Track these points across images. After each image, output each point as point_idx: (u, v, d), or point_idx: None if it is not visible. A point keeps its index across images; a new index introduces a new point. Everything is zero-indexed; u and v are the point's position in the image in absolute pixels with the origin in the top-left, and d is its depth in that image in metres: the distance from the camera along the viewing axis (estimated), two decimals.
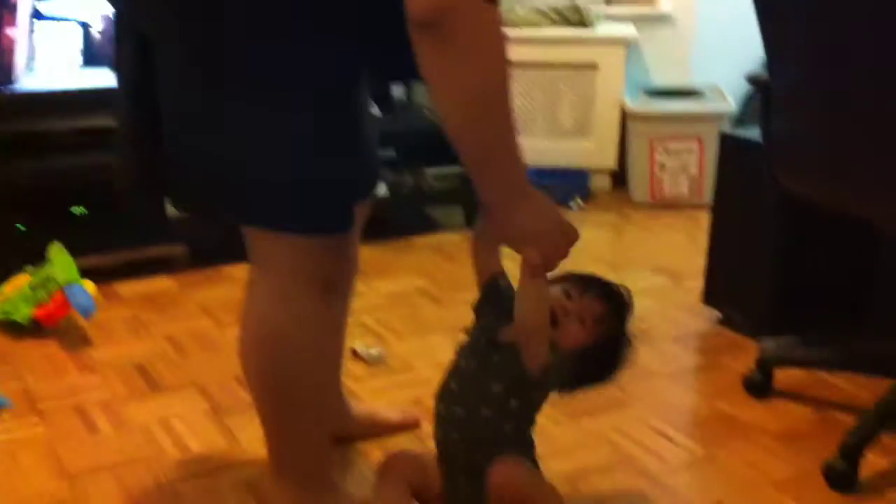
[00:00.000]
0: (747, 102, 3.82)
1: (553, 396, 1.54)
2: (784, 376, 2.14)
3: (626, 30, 3.62)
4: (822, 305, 2.39)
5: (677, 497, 1.73)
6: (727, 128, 3.39)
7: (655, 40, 3.81)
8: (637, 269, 2.87)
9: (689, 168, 3.53)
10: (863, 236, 2.38)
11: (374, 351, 2.24)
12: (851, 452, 1.75)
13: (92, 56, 2.81)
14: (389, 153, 3.35)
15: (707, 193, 3.34)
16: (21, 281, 2.41)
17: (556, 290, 1.53)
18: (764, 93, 1.98)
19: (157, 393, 2.09)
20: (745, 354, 2.28)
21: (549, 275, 1.45)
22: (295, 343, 1.45)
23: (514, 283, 1.49)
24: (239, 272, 1.49)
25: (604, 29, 3.62)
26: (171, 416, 1.98)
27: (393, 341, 2.37)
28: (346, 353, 2.06)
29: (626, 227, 3.38)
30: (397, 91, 3.46)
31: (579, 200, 3.51)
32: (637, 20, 3.77)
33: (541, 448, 1.55)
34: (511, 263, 1.47)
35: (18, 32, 2.57)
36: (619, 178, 3.73)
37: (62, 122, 2.68)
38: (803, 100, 1.84)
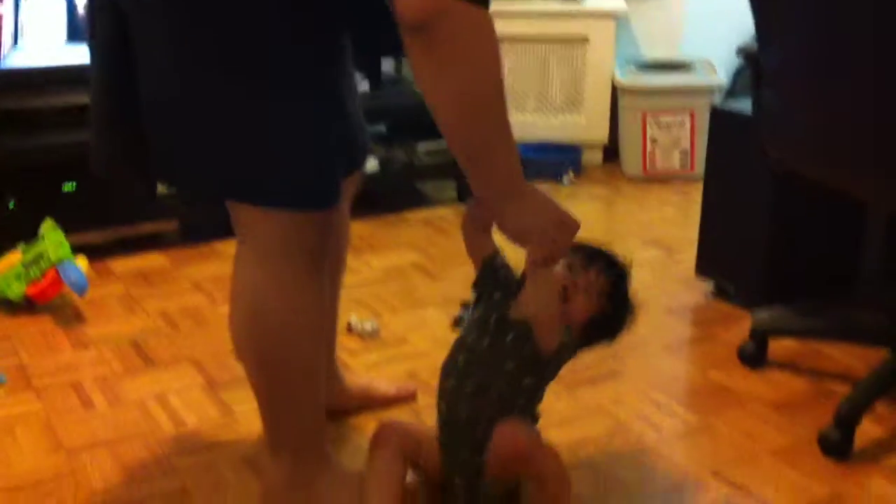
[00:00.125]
0: (738, 76, 3.82)
1: None
2: (778, 347, 2.15)
3: (616, 3, 3.61)
4: (815, 276, 2.40)
5: (674, 466, 1.74)
6: (718, 101, 3.40)
7: (645, 13, 3.80)
8: (630, 243, 2.87)
9: (681, 141, 3.53)
10: (854, 206, 2.39)
11: (368, 325, 2.24)
12: (846, 421, 1.76)
13: (77, 32, 2.78)
14: (380, 128, 3.34)
15: (699, 166, 3.34)
16: (13, 258, 2.40)
17: (559, 266, 1.54)
18: (754, 66, 1.98)
19: (152, 369, 2.09)
20: (738, 325, 2.29)
21: None
22: (282, 317, 1.45)
23: (510, 262, 1.54)
24: (231, 248, 1.48)
25: (593, 2, 3.60)
26: (166, 392, 1.98)
27: (387, 315, 2.37)
28: (341, 328, 2.06)
29: (619, 200, 3.38)
30: (387, 66, 3.45)
31: (571, 175, 3.51)
32: None
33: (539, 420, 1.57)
34: (502, 239, 1.48)
35: (4, 9, 2.55)
36: (611, 152, 3.73)
37: (51, 98, 2.66)
38: (793, 73, 1.84)
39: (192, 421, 1.88)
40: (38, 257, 2.35)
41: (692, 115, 3.50)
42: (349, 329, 2.24)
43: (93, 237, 2.66)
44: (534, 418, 1.58)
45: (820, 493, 1.66)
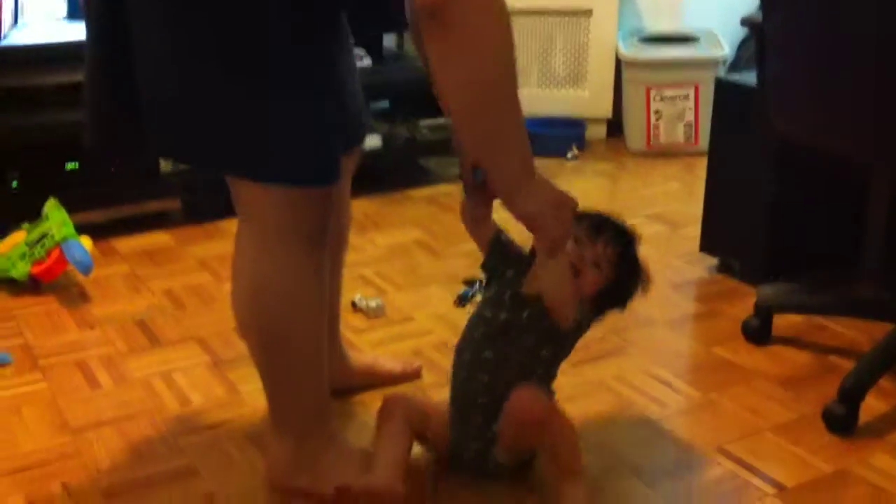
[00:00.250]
0: (741, 47, 3.79)
1: None
2: (782, 322, 2.15)
3: None
4: (820, 251, 2.40)
5: (678, 442, 1.75)
6: (722, 73, 3.38)
7: None
8: (634, 218, 2.86)
9: (685, 115, 3.51)
10: (858, 181, 2.38)
11: (373, 303, 2.24)
12: (851, 397, 1.76)
13: (77, 9, 2.77)
14: (383, 104, 3.33)
15: (703, 140, 3.33)
16: (17, 238, 2.40)
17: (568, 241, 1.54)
18: (758, 36, 1.96)
19: (158, 347, 2.09)
20: (743, 301, 2.29)
21: None
22: (283, 295, 1.45)
23: (514, 237, 1.57)
24: (235, 227, 1.49)
25: None
26: (172, 371, 1.99)
27: (392, 293, 2.37)
28: (345, 306, 2.07)
29: (623, 176, 3.37)
30: (389, 41, 3.43)
31: (575, 150, 3.49)
32: None
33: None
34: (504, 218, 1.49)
35: None
36: (615, 126, 3.71)
37: (53, 76, 2.65)
38: (798, 41, 1.83)
39: (197, 399, 1.88)
40: (43, 237, 2.35)
41: (696, 89, 3.48)
42: (354, 307, 2.24)
43: (96, 216, 2.66)
44: (549, 393, 1.60)
45: (824, 468, 1.66)
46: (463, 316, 1.65)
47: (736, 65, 3.71)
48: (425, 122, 3.16)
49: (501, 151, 1.37)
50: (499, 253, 1.61)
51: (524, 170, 1.39)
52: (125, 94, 1.42)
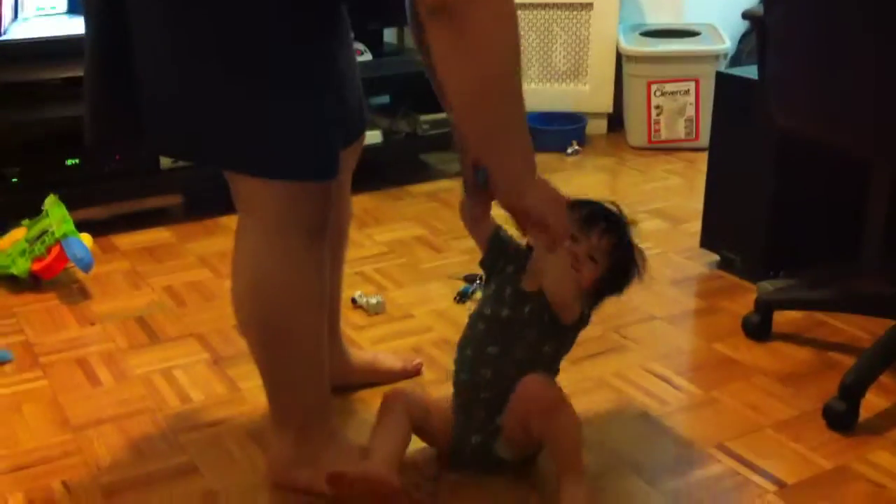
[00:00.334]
0: (743, 41, 3.78)
1: None
2: (783, 318, 2.15)
3: None
4: (821, 247, 2.40)
5: (678, 439, 1.75)
6: (724, 67, 3.37)
7: None
8: (635, 214, 2.85)
9: (686, 110, 3.51)
10: (860, 176, 2.38)
11: (373, 300, 2.24)
12: (851, 393, 1.76)
13: (77, 3, 2.77)
14: (383, 99, 3.33)
15: (704, 135, 3.33)
16: (17, 235, 2.40)
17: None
18: (760, 29, 1.96)
19: (158, 344, 2.09)
20: (743, 297, 2.29)
21: None
22: (284, 288, 1.45)
23: (513, 233, 1.56)
24: (235, 223, 1.49)
25: None
26: (172, 368, 1.99)
27: (392, 289, 2.37)
28: (345, 303, 2.07)
29: (623, 171, 3.37)
30: (389, 35, 3.43)
31: (576, 145, 3.49)
32: None
33: None
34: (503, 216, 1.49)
35: None
36: (616, 121, 3.71)
37: (53, 71, 2.65)
38: (799, 35, 1.83)
39: (197, 397, 1.88)
40: (43, 233, 2.35)
41: (697, 83, 3.47)
42: (354, 304, 2.24)
43: (97, 212, 2.66)
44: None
45: (824, 465, 1.66)
46: (463, 312, 1.65)
47: (737, 59, 3.70)
48: (426, 118, 3.15)
49: (506, 147, 1.37)
50: (498, 249, 1.62)
51: (527, 165, 1.40)
52: (125, 90, 1.42)
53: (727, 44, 3.50)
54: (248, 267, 1.47)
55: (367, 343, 2.09)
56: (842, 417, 1.76)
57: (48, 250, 2.33)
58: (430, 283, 2.41)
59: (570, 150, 3.47)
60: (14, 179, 2.59)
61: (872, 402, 1.82)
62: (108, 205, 2.71)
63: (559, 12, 3.61)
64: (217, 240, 2.65)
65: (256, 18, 1.32)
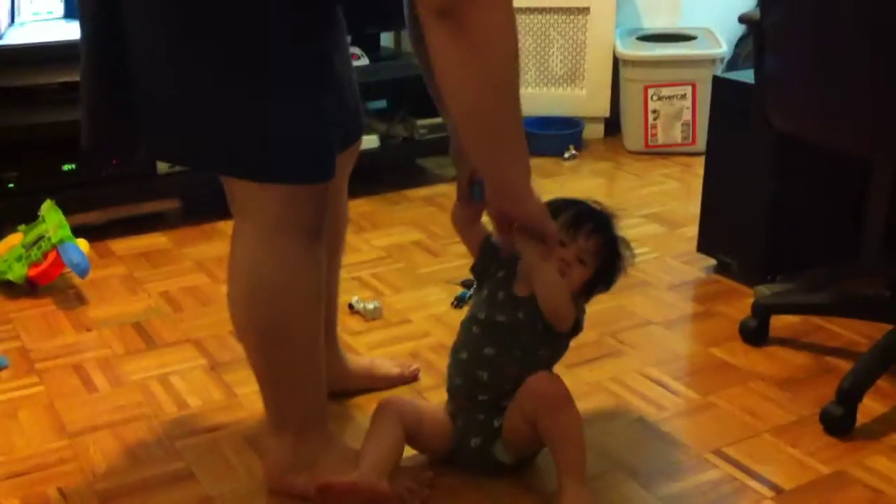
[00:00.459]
0: (739, 45, 3.79)
1: None
2: (780, 322, 2.14)
3: None
4: (818, 251, 2.40)
5: (675, 444, 1.74)
6: (720, 71, 3.37)
7: None
8: (632, 218, 2.86)
9: (683, 114, 3.51)
10: (857, 179, 2.39)
11: (370, 305, 2.24)
12: (848, 398, 1.76)
13: (74, 8, 2.76)
14: (380, 104, 3.33)
15: (701, 140, 3.32)
16: (14, 240, 2.40)
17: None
18: (756, 33, 1.96)
19: (154, 350, 2.09)
20: (740, 301, 2.29)
21: None
22: (283, 288, 1.45)
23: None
24: (232, 227, 1.48)
25: None
26: (168, 373, 1.99)
27: (389, 294, 2.37)
28: (343, 308, 2.06)
29: (620, 175, 3.37)
30: (386, 39, 3.43)
31: (573, 149, 3.49)
32: None
33: None
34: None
35: None
36: (612, 125, 3.71)
37: (49, 76, 2.65)
38: (796, 38, 1.83)
39: (194, 402, 1.88)
40: (39, 239, 2.34)
41: (694, 88, 3.47)
42: (351, 309, 2.24)
43: (93, 217, 2.66)
44: None
45: (822, 470, 1.66)
46: (460, 318, 1.65)
47: (734, 63, 3.71)
48: (423, 122, 3.15)
49: (507, 153, 1.38)
50: (489, 254, 1.62)
51: (526, 172, 1.41)
52: (121, 93, 1.42)
53: (724, 48, 3.51)
54: (246, 270, 1.47)
55: (365, 348, 2.09)
56: (839, 422, 1.76)
57: (44, 256, 2.32)
58: (427, 287, 2.41)
59: (567, 155, 3.47)
60: (10, 185, 2.59)
61: (870, 407, 1.82)
62: (104, 210, 2.71)
63: (556, 17, 3.61)
64: (214, 245, 2.65)
65: (256, 18, 1.32)
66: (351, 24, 1.59)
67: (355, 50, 3.04)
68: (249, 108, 1.36)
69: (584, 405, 1.84)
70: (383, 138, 3.12)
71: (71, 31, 2.65)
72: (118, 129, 1.48)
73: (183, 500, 1.59)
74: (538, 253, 1.47)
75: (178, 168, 2.72)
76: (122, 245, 2.66)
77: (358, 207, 2.90)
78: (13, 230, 2.44)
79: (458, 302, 2.28)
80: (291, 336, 1.49)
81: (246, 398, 1.87)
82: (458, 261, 2.49)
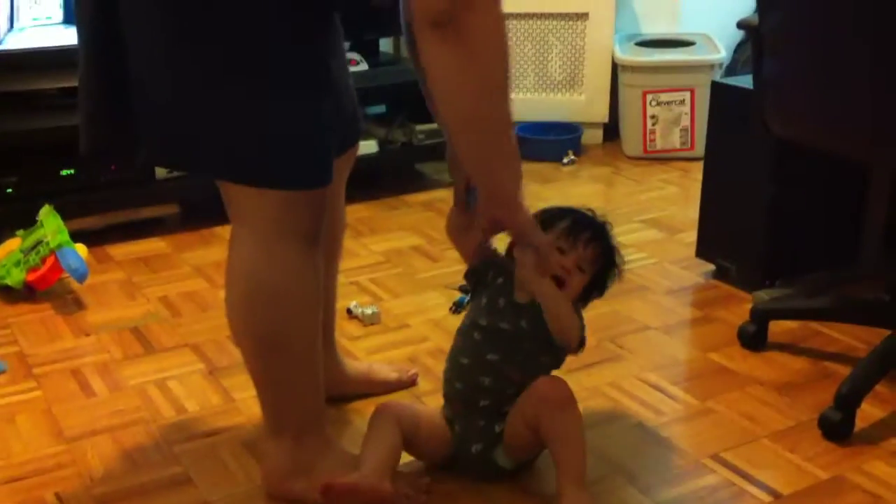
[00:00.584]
0: (738, 51, 3.79)
1: None
2: (779, 328, 2.14)
3: None
4: (816, 256, 2.40)
5: (673, 449, 1.74)
6: (719, 77, 3.37)
7: None
8: (631, 223, 2.87)
9: (681, 120, 3.51)
10: (855, 184, 2.39)
11: (368, 310, 2.24)
12: (847, 403, 1.76)
13: (73, 13, 2.77)
14: (379, 109, 3.33)
15: (700, 145, 3.33)
16: (12, 245, 2.40)
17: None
18: (755, 38, 1.96)
19: (153, 355, 2.09)
20: (739, 307, 2.29)
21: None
22: (284, 296, 1.45)
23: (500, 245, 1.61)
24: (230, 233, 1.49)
25: None
26: (167, 378, 1.98)
27: (388, 299, 2.37)
28: (341, 313, 2.06)
29: (619, 180, 3.37)
30: (385, 45, 3.43)
31: (571, 155, 3.49)
32: None
33: None
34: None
35: None
36: (611, 131, 3.71)
37: (48, 81, 2.65)
38: (794, 44, 1.83)
39: (192, 407, 1.88)
40: (37, 244, 2.34)
41: (692, 93, 3.47)
42: (349, 314, 2.24)
43: (92, 222, 2.66)
44: None
45: (820, 476, 1.66)
46: (459, 323, 1.65)
47: (732, 68, 3.71)
48: (421, 127, 3.15)
49: (501, 160, 1.39)
50: (486, 262, 1.62)
51: (517, 178, 1.42)
52: (119, 99, 1.42)
53: (722, 53, 3.51)
54: (243, 276, 1.47)
55: (363, 353, 2.09)
56: (838, 427, 1.76)
57: (43, 261, 2.32)
58: (425, 292, 2.40)
59: (565, 160, 3.47)
60: (9, 189, 2.59)
61: (868, 412, 1.82)
62: (103, 215, 2.71)
63: (555, 22, 3.61)
64: (213, 250, 2.65)
65: (256, 25, 1.32)
66: (349, 30, 1.59)
67: (354, 55, 3.05)
68: (249, 110, 1.36)
69: (582, 410, 1.83)
70: (382, 143, 3.13)
71: (70, 36, 2.65)
72: (117, 134, 1.48)
73: None
74: (535, 265, 1.48)
75: (176, 173, 2.72)
76: (121, 250, 2.66)
77: (357, 212, 2.90)
78: (11, 235, 2.44)
79: (457, 307, 2.28)
80: (289, 341, 1.49)
81: (244, 403, 1.87)
82: (457, 266, 2.46)
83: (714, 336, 2.18)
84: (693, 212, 2.57)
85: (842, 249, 2.44)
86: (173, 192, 2.79)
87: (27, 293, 2.35)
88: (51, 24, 2.74)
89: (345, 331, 2.15)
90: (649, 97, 3.50)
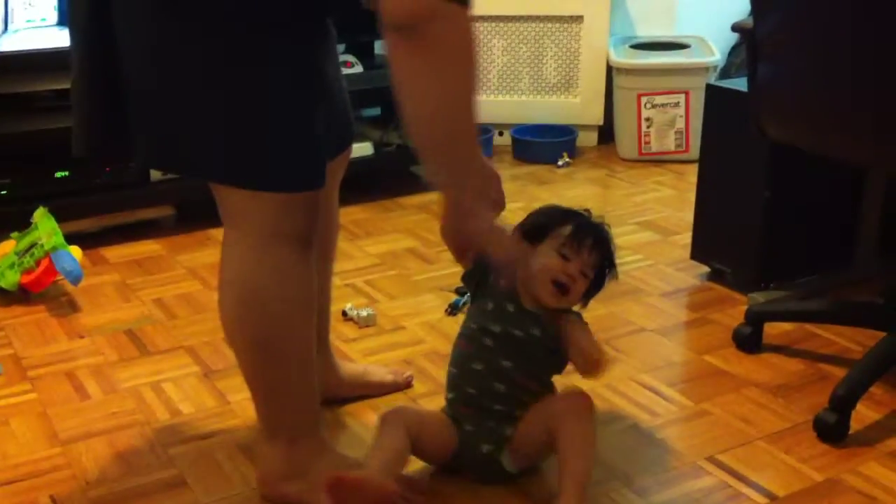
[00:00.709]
0: (733, 54, 3.80)
1: None
2: (774, 330, 2.15)
3: None
4: (811, 258, 2.40)
5: (669, 451, 1.74)
6: (713, 79, 3.38)
7: None
8: (625, 225, 2.87)
9: (676, 122, 3.52)
10: (850, 187, 2.39)
11: (364, 312, 2.24)
12: (842, 405, 1.76)
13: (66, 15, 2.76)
14: (374, 111, 3.33)
15: (694, 147, 3.33)
16: (7, 247, 2.39)
17: (553, 257, 1.59)
18: (749, 41, 1.97)
19: (147, 357, 2.08)
20: (734, 309, 2.29)
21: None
22: (275, 300, 1.45)
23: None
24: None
25: None
26: (161, 381, 1.98)
27: (383, 301, 2.36)
28: (336, 315, 2.06)
29: (614, 183, 3.37)
30: (380, 47, 3.43)
31: (566, 157, 3.49)
32: None
33: None
34: None
35: None
36: (606, 133, 3.71)
37: (42, 83, 2.64)
38: (789, 47, 1.84)
39: (187, 410, 1.87)
40: (32, 246, 2.34)
41: (687, 96, 3.48)
42: (344, 316, 2.24)
43: (86, 224, 2.65)
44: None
45: (815, 477, 1.66)
46: (454, 324, 1.65)
47: (727, 71, 3.72)
48: None
49: (462, 152, 1.41)
50: (485, 263, 1.61)
51: (478, 188, 1.45)
52: (113, 101, 1.42)
53: (717, 56, 3.52)
54: (237, 279, 1.46)
55: (358, 355, 2.09)
56: (833, 429, 1.76)
57: (37, 263, 2.32)
58: (421, 294, 2.40)
59: (560, 163, 3.47)
60: (3, 191, 2.58)
61: (864, 414, 1.82)
62: (97, 217, 2.70)
63: (550, 25, 3.61)
64: (208, 252, 2.64)
65: (252, 26, 1.32)
66: (344, 32, 1.59)
67: (349, 57, 3.04)
68: (244, 113, 1.36)
69: None
70: (377, 146, 3.12)
71: (64, 38, 2.62)
72: (111, 136, 1.48)
73: None
74: (504, 278, 1.56)
75: (171, 175, 2.71)
76: (116, 252, 2.66)
77: (352, 214, 2.90)
78: (6, 237, 2.43)
79: (452, 309, 2.28)
80: (283, 344, 1.49)
81: (239, 405, 1.87)
82: (452, 268, 2.47)
83: (709, 338, 2.18)
84: (688, 214, 2.57)
85: (836, 252, 2.44)
86: (168, 194, 2.78)
87: (22, 295, 2.34)
88: (45, 26, 2.73)
89: (340, 333, 2.15)
90: (644, 100, 3.50)
